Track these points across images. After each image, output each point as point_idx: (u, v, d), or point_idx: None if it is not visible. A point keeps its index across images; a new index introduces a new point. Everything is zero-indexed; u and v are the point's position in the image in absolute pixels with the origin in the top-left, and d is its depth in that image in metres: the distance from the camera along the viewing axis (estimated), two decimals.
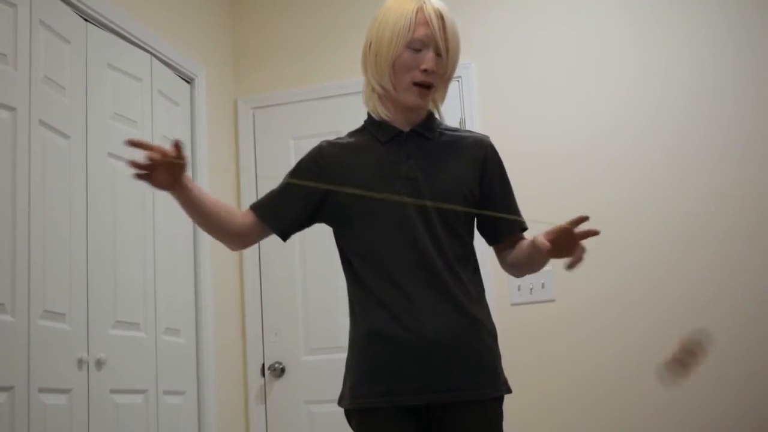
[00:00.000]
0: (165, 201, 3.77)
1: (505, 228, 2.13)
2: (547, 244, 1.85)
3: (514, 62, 4.28)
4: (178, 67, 4.07)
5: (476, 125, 4.17)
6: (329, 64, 4.52)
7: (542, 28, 4.27)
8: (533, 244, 1.93)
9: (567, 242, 1.88)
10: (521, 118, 4.21)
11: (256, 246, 4.43)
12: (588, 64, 4.18)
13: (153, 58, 3.87)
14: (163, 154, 1.89)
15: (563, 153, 4.13)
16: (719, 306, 3.85)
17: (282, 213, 2.10)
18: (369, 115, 2.14)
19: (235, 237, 2.12)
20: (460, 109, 4.26)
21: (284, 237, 2.14)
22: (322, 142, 2.15)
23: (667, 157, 4.01)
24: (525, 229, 2.15)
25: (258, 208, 2.13)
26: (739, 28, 4.02)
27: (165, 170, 1.92)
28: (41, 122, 3.07)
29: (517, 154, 3.95)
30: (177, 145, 1.90)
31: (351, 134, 2.17)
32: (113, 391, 3.32)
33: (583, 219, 1.85)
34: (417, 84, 2.03)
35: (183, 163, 1.92)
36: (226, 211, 2.09)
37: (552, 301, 4.03)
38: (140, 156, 1.91)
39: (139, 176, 1.91)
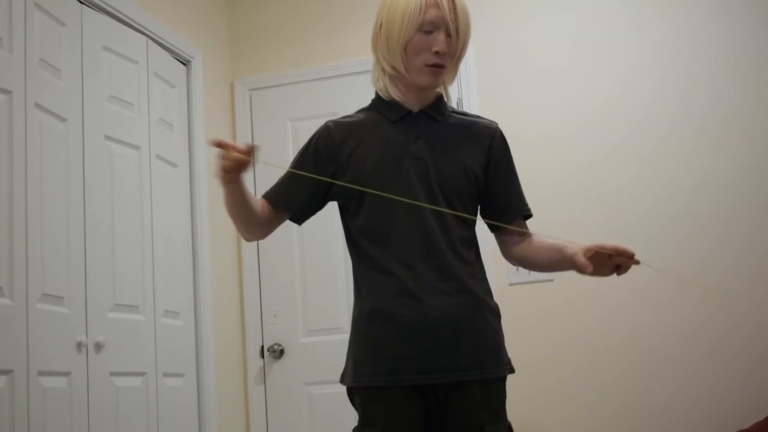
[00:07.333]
0: (162, 183, 3.76)
1: (508, 214, 2.13)
2: (590, 267, 1.89)
3: (511, 44, 4.26)
4: (174, 49, 4.05)
5: (473, 106, 4.15)
6: (326, 45, 4.50)
7: (541, 10, 4.24)
8: (569, 257, 1.94)
9: (604, 263, 1.92)
10: (518, 100, 4.20)
11: None
12: (587, 47, 4.16)
13: (149, 41, 3.85)
14: (242, 153, 1.88)
15: (561, 136, 4.12)
16: (723, 287, 3.85)
17: (295, 197, 2.10)
18: (377, 94, 2.13)
19: (262, 228, 2.12)
20: (458, 89, 4.24)
21: (299, 221, 2.14)
22: (328, 121, 2.13)
23: (667, 141, 4.00)
24: (529, 216, 2.15)
25: (271, 195, 2.12)
26: (739, 12, 4.00)
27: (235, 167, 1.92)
28: (37, 105, 3.05)
29: (512, 136, 3.92)
30: (251, 149, 1.89)
31: (359, 112, 2.16)
32: (112, 374, 3.32)
33: (630, 255, 1.90)
34: (429, 66, 2.02)
35: (251, 163, 1.92)
36: (258, 203, 2.10)
37: (551, 280, 4.03)
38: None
39: (228, 175, 1.91)
